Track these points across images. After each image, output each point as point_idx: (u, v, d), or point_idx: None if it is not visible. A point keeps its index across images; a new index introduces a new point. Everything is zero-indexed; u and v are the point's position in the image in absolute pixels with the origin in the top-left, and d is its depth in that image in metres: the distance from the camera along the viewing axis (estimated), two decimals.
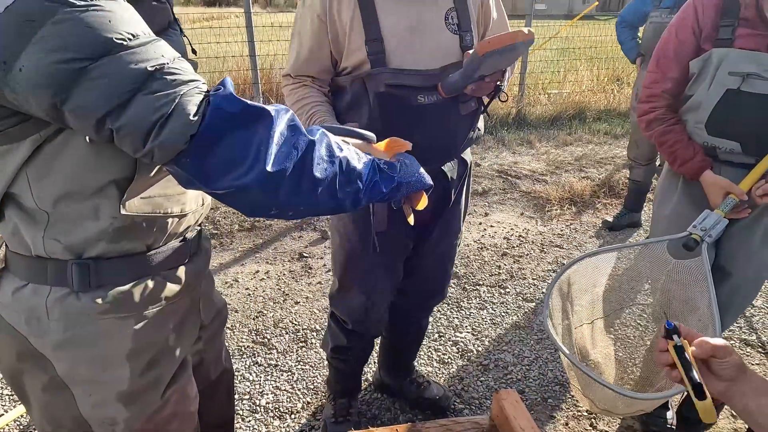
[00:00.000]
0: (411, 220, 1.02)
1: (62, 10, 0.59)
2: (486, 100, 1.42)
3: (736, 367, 0.76)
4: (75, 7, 0.60)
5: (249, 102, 0.68)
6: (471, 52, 1.19)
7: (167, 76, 0.64)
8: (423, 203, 0.97)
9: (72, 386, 0.83)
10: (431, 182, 0.95)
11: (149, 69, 0.63)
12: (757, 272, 1.62)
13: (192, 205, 0.91)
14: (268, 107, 0.69)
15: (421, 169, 0.94)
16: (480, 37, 1.42)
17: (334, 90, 1.38)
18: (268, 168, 0.66)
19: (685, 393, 0.78)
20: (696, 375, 0.74)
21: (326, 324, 1.91)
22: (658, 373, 1.55)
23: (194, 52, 0.96)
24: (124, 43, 0.62)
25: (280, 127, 0.69)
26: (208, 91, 0.68)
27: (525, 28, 1.14)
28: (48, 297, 0.79)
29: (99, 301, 0.80)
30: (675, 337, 0.78)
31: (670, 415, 1.87)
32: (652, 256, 1.55)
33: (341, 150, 0.77)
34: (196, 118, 0.64)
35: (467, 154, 1.53)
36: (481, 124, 1.50)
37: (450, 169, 1.46)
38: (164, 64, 0.65)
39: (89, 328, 0.80)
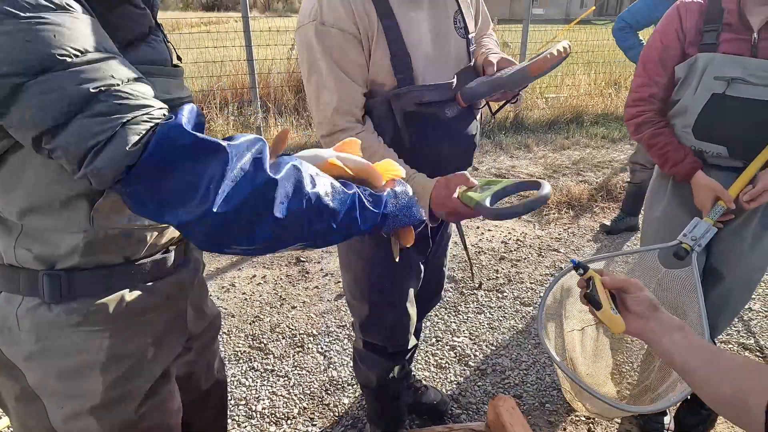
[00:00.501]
0: (396, 256, 0.92)
1: (3, 21, 0.57)
2: (496, 105, 1.41)
3: (648, 303, 0.80)
4: (18, 18, 0.57)
5: (200, 135, 0.63)
6: (499, 66, 1.18)
7: (113, 99, 0.60)
8: (410, 240, 0.89)
9: (43, 397, 0.81)
10: (424, 217, 0.88)
11: (92, 90, 0.59)
12: (747, 276, 1.62)
13: None
14: (224, 143, 0.64)
15: (414, 203, 0.87)
16: None
17: None
18: (215, 209, 0.61)
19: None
20: (596, 293, 0.82)
21: (317, 342, 1.89)
22: (652, 375, 1.57)
23: (179, 58, 0.91)
24: (68, 60, 0.59)
25: (240, 163, 0.64)
26: (161, 119, 0.63)
27: (565, 43, 1.14)
28: (19, 307, 0.77)
29: (71, 313, 0.77)
30: (580, 270, 0.86)
31: (668, 419, 1.86)
32: (643, 264, 1.57)
33: (314, 185, 0.71)
34: (135, 148, 0.60)
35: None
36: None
37: None
38: (112, 85, 0.61)
39: (61, 340, 0.78)
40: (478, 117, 1.37)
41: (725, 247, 1.59)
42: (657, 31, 1.54)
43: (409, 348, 1.61)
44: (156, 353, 0.89)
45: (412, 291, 1.51)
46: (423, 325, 2.46)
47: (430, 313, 2.55)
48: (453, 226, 1.67)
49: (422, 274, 1.54)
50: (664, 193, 1.66)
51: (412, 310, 1.52)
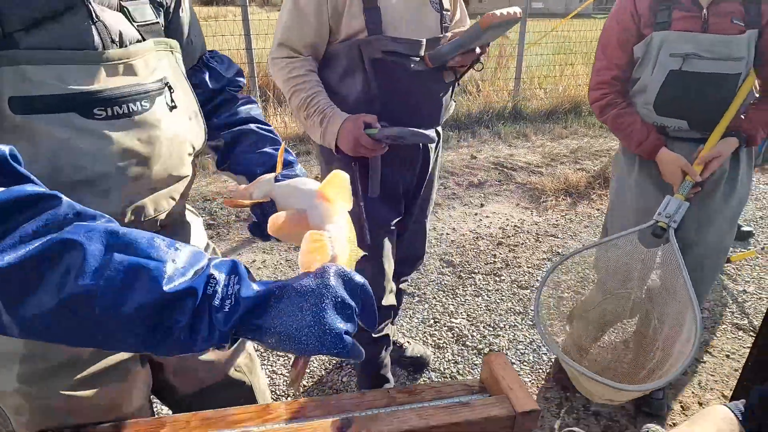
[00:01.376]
0: (293, 385, 0.61)
1: None
2: (461, 71, 1.50)
3: None
4: None
5: None
6: (464, 27, 1.27)
7: None
8: (300, 376, 0.60)
9: None
10: (345, 348, 0.52)
11: None
12: (718, 240, 1.66)
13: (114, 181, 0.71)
14: None
15: (328, 323, 0.52)
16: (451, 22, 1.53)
17: (326, 60, 1.40)
18: None
19: None
20: None
21: None
22: (655, 359, 1.60)
23: (116, 42, 0.72)
24: None
25: None
26: None
27: (515, 8, 1.25)
28: None
29: None
30: None
31: (661, 394, 1.89)
32: (626, 247, 1.62)
33: (96, 274, 0.48)
34: None
35: (439, 127, 1.63)
36: (452, 107, 1.62)
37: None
38: None
39: None
40: (449, 81, 1.49)
41: (693, 215, 1.64)
42: (612, 15, 1.60)
43: (384, 304, 1.68)
44: (95, 354, 0.81)
45: (388, 247, 1.59)
46: (422, 306, 2.50)
47: (428, 296, 2.58)
48: (434, 192, 1.79)
49: (395, 235, 1.63)
50: (632, 170, 1.70)
51: (387, 266, 1.60)
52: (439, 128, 1.64)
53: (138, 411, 0.90)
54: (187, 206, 1.02)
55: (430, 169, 1.61)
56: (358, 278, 0.56)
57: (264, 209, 0.73)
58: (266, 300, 0.53)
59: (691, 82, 1.46)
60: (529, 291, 2.67)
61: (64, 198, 0.52)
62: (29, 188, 0.50)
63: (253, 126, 0.94)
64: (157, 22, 0.81)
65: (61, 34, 0.65)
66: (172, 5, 0.86)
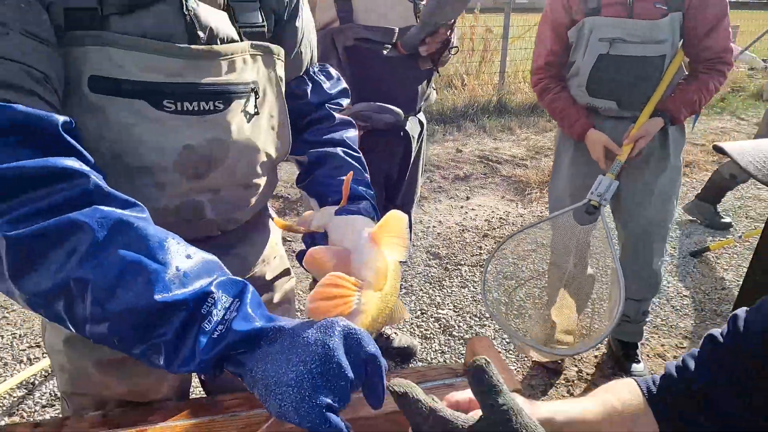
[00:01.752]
0: None
1: None
2: (436, 57, 1.54)
3: None
4: None
5: None
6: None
7: None
8: None
9: (46, 323, 0.85)
10: (322, 425, 0.44)
11: None
12: (655, 213, 1.75)
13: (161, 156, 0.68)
14: None
15: (309, 390, 0.45)
16: None
17: None
18: None
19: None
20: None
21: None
22: (586, 323, 1.82)
23: (203, 38, 0.69)
24: None
25: None
26: None
27: None
28: None
29: None
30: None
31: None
32: (563, 225, 1.75)
33: (86, 261, 0.48)
34: None
35: (422, 116, 1.67)
36: (433, 96, 1.68)
37: (411, 128, 1.60)
38: None
39: None
40: (425, 68, 1.53)
41: (630, 192, 1.74)
42: (548, 3, 1.69)
43: None
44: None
45: None
46: (409, 298, 2.52)
47: (415, 287, 2.61)
48: (420, 184, 1.84)
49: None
50: (568, 151, 1.81)
51: None
52: (423, 119, 1.67)
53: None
54: (273, 217, 0.98)
55: (412, 158, 1.65)
56: (371, 348, 0.49)
57: (315, 240, 0.70)
58: (257, 338, 0.49)
59: (618, 65, 1.57)
60: (514, 282, 2.71)
61: (93, 177, 0.52)
62: (66, 162, 0.51)
63: (339, 150, 0.89)
64: (263, 26, 0.78)
65: (148, 22, 0.65)
66: (287, 13, 0.83)
